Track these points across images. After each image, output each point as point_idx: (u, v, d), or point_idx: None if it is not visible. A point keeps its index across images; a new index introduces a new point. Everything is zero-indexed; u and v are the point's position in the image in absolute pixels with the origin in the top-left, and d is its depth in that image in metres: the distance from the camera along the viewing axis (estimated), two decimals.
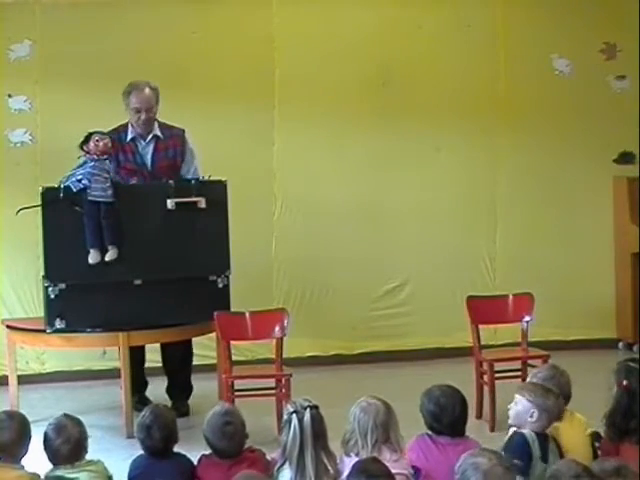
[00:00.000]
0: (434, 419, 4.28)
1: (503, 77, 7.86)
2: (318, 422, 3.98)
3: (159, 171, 6.35)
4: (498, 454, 3.69)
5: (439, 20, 7.75)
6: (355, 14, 7.63)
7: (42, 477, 4.12)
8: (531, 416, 4.21)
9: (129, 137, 6.35)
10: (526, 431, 4.20)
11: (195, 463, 4.30)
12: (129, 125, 6.37)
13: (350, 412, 4.16)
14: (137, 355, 6.35)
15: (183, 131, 6.47)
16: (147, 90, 6.32)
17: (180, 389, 6.61)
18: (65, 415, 4.27)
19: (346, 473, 3.87)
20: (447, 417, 4.26)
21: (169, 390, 6.63)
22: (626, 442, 4.23)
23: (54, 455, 4.13)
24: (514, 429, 4.29)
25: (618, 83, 8.01)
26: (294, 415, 3.96)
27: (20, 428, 4.21)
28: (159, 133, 6.39)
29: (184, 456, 4.33)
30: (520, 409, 4.25)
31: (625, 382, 4.31)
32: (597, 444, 4.35)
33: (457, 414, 4.27)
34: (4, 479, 4.04)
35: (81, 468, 4.08)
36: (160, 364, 6.68)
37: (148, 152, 6.37)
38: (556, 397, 4.29)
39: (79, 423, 4.22)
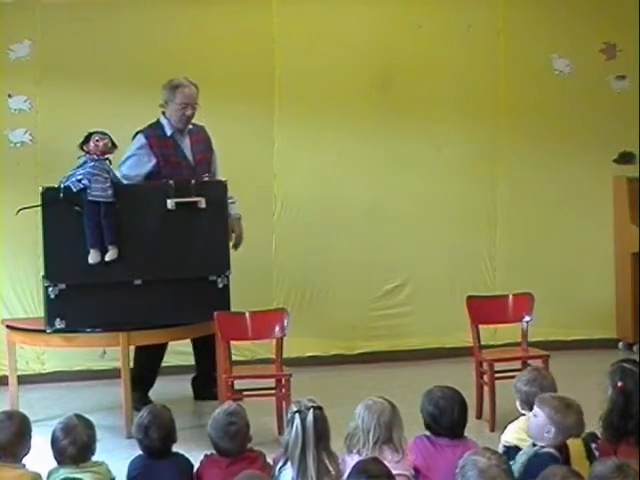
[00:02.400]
0: (433, 421, 4.28)
1: (503, 77, 7.85)
2: (321, 423, 3.97)
3: (199, 163, 6.43)
4: (499, 455, 3.68)
5: (439, 20, 7.74)
6: (355, 14, 7.63)
7: (44, 476, 4.12)
8: (548, 432, 4.04)
9: (169, 132, 6.38)
10: (553, 451, 4.03)
11: (194, 463, 4.29)
12: (162, 121, 6.39)
13: (356, 410, 4.16)
14: (160, 352, 6.46)
15: (204, 127, 6.55)
16: (192, 87, 6.39)
17: (212, 375, 6.45)
18: (77, 416, 4.22)
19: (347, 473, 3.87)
20: (446, 419, 4.25)
21: (199, 380, 6.66)
22: (624, 444, 4.20)
23: (59, 454, 4.12)
24: (536, 446, 4.09)
25: (618, 83, 8.01)
26: (297, 415, 3.95)
27: (20, 427, 4.20)
28: (191, 127, 6.46)
29: (183, 456, 4.32)
30: (540, 422, 4.07)
31: (620, 383, 4.28)
32: (594, 445, 4.30)
33: (456, 417, 4.27)
34: (5, 478, 4.04)
35: (85, 469, 4.06)
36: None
37: (187, 146, 6.43)
38: (577, 413, 4.09)
39: (90, 426, 4.18)
